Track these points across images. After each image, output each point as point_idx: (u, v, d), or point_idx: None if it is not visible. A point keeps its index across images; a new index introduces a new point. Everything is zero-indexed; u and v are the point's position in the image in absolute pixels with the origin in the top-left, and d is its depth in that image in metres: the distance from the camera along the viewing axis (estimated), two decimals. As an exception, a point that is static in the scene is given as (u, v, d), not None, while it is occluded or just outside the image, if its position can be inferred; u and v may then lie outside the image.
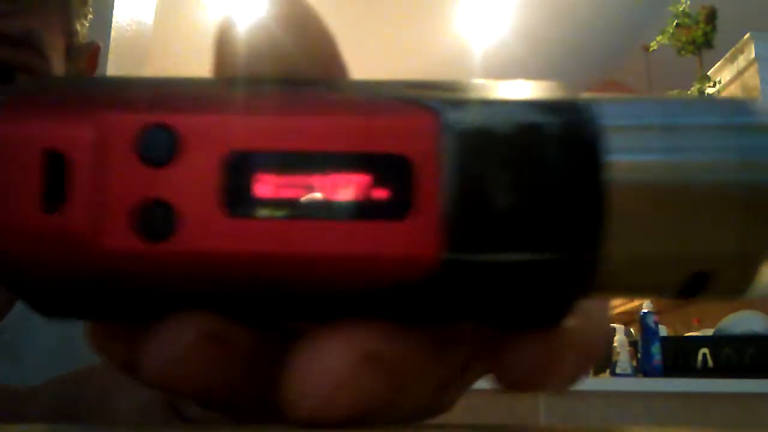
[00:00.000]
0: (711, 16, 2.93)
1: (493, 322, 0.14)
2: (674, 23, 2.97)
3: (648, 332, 2.14)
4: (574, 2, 3.42)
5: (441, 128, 0.13)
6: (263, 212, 0.13)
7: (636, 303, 3.09)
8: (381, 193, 0.13)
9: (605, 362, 2.32)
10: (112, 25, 1.76)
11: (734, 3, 2.96)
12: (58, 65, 0.52)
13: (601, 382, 2.19)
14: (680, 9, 2.97)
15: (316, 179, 0.13)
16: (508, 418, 1.94)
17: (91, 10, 0.56)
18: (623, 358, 2.25)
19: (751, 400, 1.97)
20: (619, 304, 3.32)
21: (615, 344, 2.27)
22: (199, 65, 3.21)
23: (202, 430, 0.17)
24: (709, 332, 2.41)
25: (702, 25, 2.93)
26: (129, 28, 1.89)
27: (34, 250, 0.13)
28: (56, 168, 0.13)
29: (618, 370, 2.24)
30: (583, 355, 0.16)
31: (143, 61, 2.02)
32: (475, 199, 0.13)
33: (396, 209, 0.13)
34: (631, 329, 2.46)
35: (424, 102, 0.13)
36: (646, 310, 2.17)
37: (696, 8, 2.96)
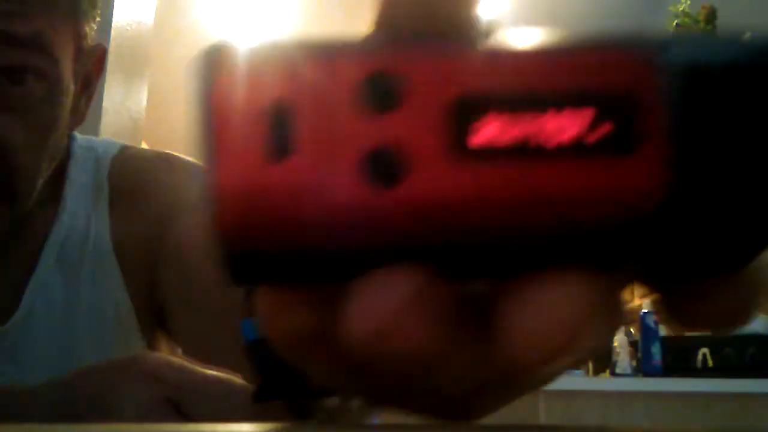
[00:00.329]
0: (711, 16, 2.93)
1: (694, 264, 0.14)
2: (674, 23, 2.97)
3: (648, 332, 2.14)
4: (574, 2, 3.42)
5: (664, 64, 0.13)
6: (493, 155, 0.13)
7: (636, 303, 3.09)
8: (609, 130, 0.13)
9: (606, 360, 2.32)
10: (112, 25, 1.76)
11: (734, 3, 2.96)
12: (66, 67, 0.52)
13: (601, 382, 2.19)
14: (680, 9, 2.97)
15: (542, 119, 0.13)
16: (508, 418, 1.93)
17: (99, 12, 0.56)
18: (623, 358, 2.25)
19: (751, 400, 1.97)
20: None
21: (615, 344, 2.27)
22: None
23: (202, 427, 0.17)
24: (709, 332, 2.41)
25: (702, 25, 2.93)
26: (129, 28, 1.89)
27: (262, 204, 0.13)
28: (284, 117, 0.13)
29: (618, 370, 2.24)
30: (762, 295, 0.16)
31: (143, 61, 2.02)
32: (699, 133, 0.13)
33: (623, 145, 0.13)
34: (631, 329, 2.46)
35: (645, 40, 0.13)
36: (646, 310, 2.17)
37: (696, 8, 2.96)
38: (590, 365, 2.58)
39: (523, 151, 0.13)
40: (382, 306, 0.13)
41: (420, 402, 0.18)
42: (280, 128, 0.13)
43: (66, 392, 0.38)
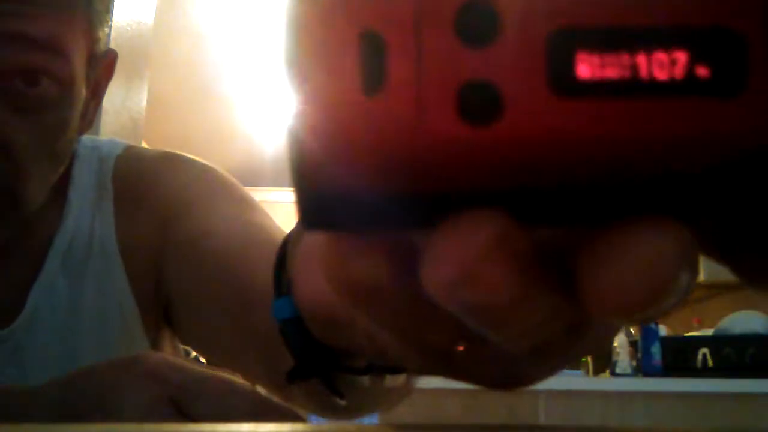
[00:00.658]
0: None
1: None
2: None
3: (648, 332, 2.15)
4: None
5: None
6: (591, 93, 0.12)
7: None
8: (712, 70, 0.12)
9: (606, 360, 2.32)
10: (112, 25, 1.76)
11: None
12: (80, 71, 0.52)
13: (601, 382, 2.19)
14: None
15: (642, 56, 0.12)
16: (508, 418, 1.94)
17: (111, 17, 0.56)
18: (623, 358, 2.25)
19: (751, 400, 1.97)
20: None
21: (615, 344, 2.27)
22: (199, 65, 3.21)
23: (202, 427, 0.17)
24: (709, 332, 2.41)
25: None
26: (129, 28, 1.89)
27: (351, 138, 0.13)
28: (375, 49, 0.12)
29: (618, 370, 2.24)
30: None
31: (143, 61, 2.02)
32: None
33: (727, 85, 0.12)
34: (631, 329, 2.47)
35: None
36: (646, 310, 2.17)
37: None
38: (590, 365, 2.58)
39: (625, 90, 0.12)
40: (465, 252, 0.13)
41: (471, 368, 0.18)
42: (370, 59, 0.12)
43: (67, 392, 0.38)
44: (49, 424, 0.36)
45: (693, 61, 0.12)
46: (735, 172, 0.13)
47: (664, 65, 0.12)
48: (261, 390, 0.38)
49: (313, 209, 0.14)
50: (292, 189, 0.13)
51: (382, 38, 0.12)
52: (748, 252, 0.15)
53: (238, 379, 0.37)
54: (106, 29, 0.55)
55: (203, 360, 0.62)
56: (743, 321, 2.28)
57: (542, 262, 0.14)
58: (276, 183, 3.65)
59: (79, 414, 0.36)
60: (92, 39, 0.53)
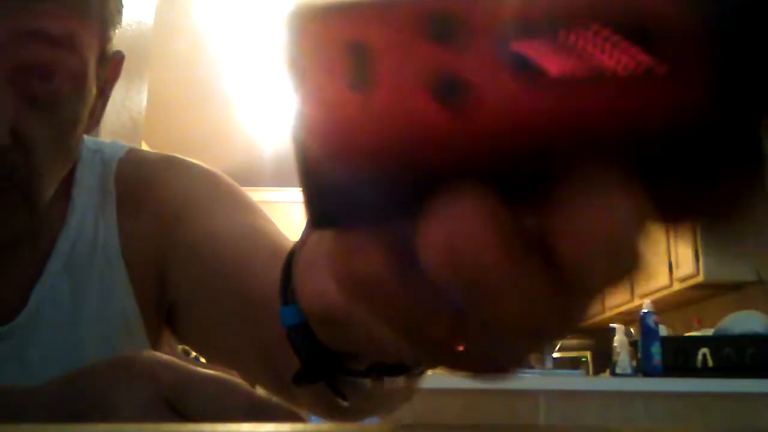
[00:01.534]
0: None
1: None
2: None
3: (648, 332, 2.15)
4: None
5: None
6: (549, 76, 0.15)
7: (636, 303, 3.08)
8: (648, 59, 0.14)
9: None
10: (112, 24, 1.76)
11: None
12: (92, 68, 0.52)
13: (601, 382, 2.19)
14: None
15: (590, 41, 0.14)
16: (508, 418, 1.94)
17: (121, 18, 0.57)
18: (623, 358, 2.25)
19: (751, 400, 1.97)
20: (619, 304, 3.32)
21: (615, 344, 2.27)
22: (199, 64, 3.21)
23: (202, 427, 0.17)
24: (709, 332, 2.41)
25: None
26: (129, 28, 1.89)
27: (347, 129, 0.15)
28: (362, 53, 0.15)
29: (618, 370, 2.24)
30: None
31: (143, 61, 2.02)
32: (734, 55, 0.14)
33: (666, 64, 0.14)
34: (631, 329, 2.47)
35: None
36: (646, 310, 2.17)
37: None
38: (590, 365, 2.58)
39: (582, 71, 0.14)
40: (457, 219, 0.15)
41: (473, 359, 0.18)
42: (357, 62, 0.15)
43: (66, 392, 0.38)
44: (49, 424, 0.36)
45: (633, 51, 0.14)
46: (671, 141, 0.15)
47: (618, 54, 0.14)
48: (260, 390, 0.38)
49: (319, 206, 0.16)
50: (300, 191, 0.15)
51: (368, 43, 0.15)
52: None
53: (234, 378, 0.37)
54: (116, 30, 0.56)
55: (203, 360, 0.62)
56: (743, 321, 2.28)
57: (524, 238, 0.16)
58: (276, 183, 3.65)
59: (79, 414, 0.36)
60: (104, 38, 0.54)
